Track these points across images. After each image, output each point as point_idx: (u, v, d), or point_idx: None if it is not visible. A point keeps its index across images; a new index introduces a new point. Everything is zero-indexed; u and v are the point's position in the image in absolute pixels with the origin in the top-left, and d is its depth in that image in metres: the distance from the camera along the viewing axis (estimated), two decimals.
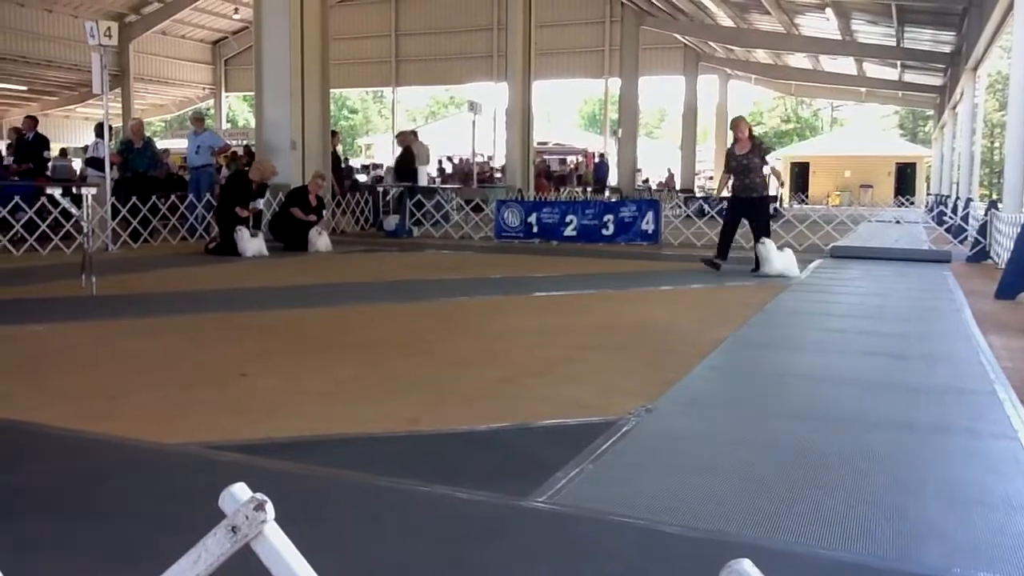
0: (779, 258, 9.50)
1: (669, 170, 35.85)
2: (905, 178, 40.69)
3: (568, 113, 59.68)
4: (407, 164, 16.49)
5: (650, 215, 13.74)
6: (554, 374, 4.68)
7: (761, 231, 9.94)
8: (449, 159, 30.85)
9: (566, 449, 3.23)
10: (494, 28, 33.01)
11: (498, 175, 27.95)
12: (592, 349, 5.41)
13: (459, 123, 32.84)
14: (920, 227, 19.09)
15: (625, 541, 2.50)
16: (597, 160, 32.87)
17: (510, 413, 3.83)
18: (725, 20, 30.21)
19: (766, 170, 10.24)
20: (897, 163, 41.00)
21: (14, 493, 2.73)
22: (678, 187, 32.96)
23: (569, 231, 13.87)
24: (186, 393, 4.20)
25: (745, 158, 10.01)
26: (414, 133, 19.47)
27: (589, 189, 28.31)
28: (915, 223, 20.85)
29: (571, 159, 35.05)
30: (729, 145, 10.77)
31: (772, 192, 13.02)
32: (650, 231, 13.66)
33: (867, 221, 20.06)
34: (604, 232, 13.79)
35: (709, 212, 15.17)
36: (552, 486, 2.83)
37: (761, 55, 35.61)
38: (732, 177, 10.20)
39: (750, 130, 10.16)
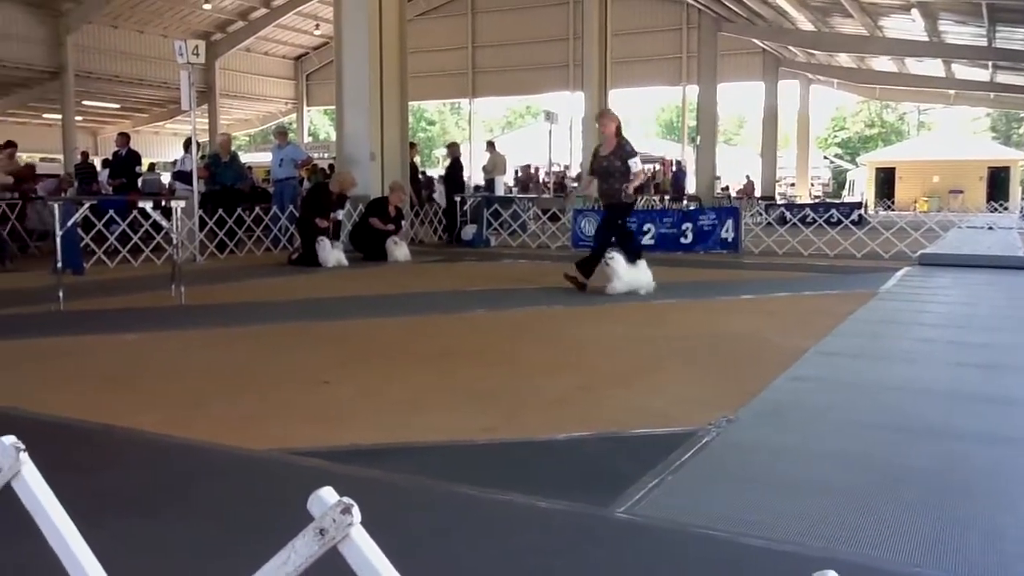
0: (628, 273, 8.40)
1: (748, 177, 35.29)
2: (998, 183, 39.21)
3: (645, 121, 59.31)
4: (455, 175, 16.61)
5: (730, 223, 13.55)
6: (633, 383, 4.64)
7: (618, 243, 8.75)
8: (525, 168, 30.95)
9: (646, 459, 3.20)
10: (570, 38, 33.04)
11: (574, 184, 27.92)
12: (671, 359, 5.35)
13: (535, 133, 32.94)
14: (1015, 233, 18.34)
15: (706, 553, 2.46)
16: (675, 168, 32.54)
17: (589, 422, 3.81)
18: (805, 24, 29.62)
19: (638, 171, 8.75)
20: (989, 167, 39.56)
21: (108, 493, 2.82)
22: (758, 194, 32.41)
23: (647, 240, 13.75)
24: (270, 400, 4.30)
25: (607, 159, 8.72)
26: (491, 144, 19.61)
27: (667, 197, 28.04)
28: (1009, 229, 20.04)
29: (648, 167, 34.81)
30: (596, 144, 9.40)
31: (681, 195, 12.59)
32: (730, 239, 13.47)
33: (957, 227, 19.39)
34: (683, 240, 13.64)
35: (791, 219, 14.86)
36: (632, 496, 2.81)
37: (843, 59, 34.81)
38: (597, 180, 9.00)
39: (617, 127, 8.78)
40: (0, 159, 15.03)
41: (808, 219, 15.20)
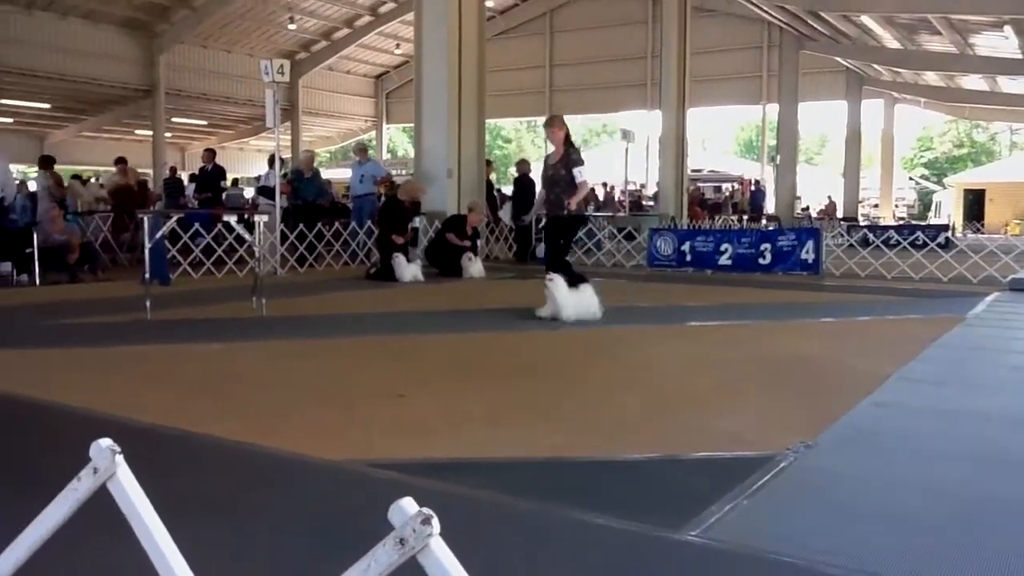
0: (568, 298, 7.70)
1: (830, 197, 34.58)
2: None
3: (724, 140, 58.67)
4: (525, 191, 16.60)
5: (810, 244, 13.27)
6: (707, 405, 4.58)
7: (553, 261, 8.22)
8: (601, 186, 30.89)
9: (719, 482, 3.15)
10: (648, 56, 32.91)
11: (650, 203, 27.76)
12: (747, 381, 5.26)
13: (611, 152, 32.86)
14: None
15: None
16: (753, 187, 32.11)
17: (661, 443, 3.78)
18: (891, 42, 28.96)
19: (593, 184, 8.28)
20: None
21: (191, 498, 2.91)
22: (840, 215, 31.70)
23: (724, 260, 13.58)
24: (347, 412, 4.37)
25: (553, 168, 8.24)
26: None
27: (745, 217, 27.66)
28: None
29: (726, 186, 34.38)
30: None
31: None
32: (810, 261, 13.19)
33: None
34: (761, 261, 13.42)
35: (874, 241, 14.49)
36: (705, 520, 2.77)
37: (931, 77, 33.88)
38: (543, 189, 8.45)
39: (566, 134, 8.29)
40: (113, 174, 15.79)
41: (892, 241, 14.78)
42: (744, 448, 3.65)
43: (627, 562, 2.52)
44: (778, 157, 31.70)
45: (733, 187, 33.91)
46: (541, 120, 39.39)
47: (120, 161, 16.68)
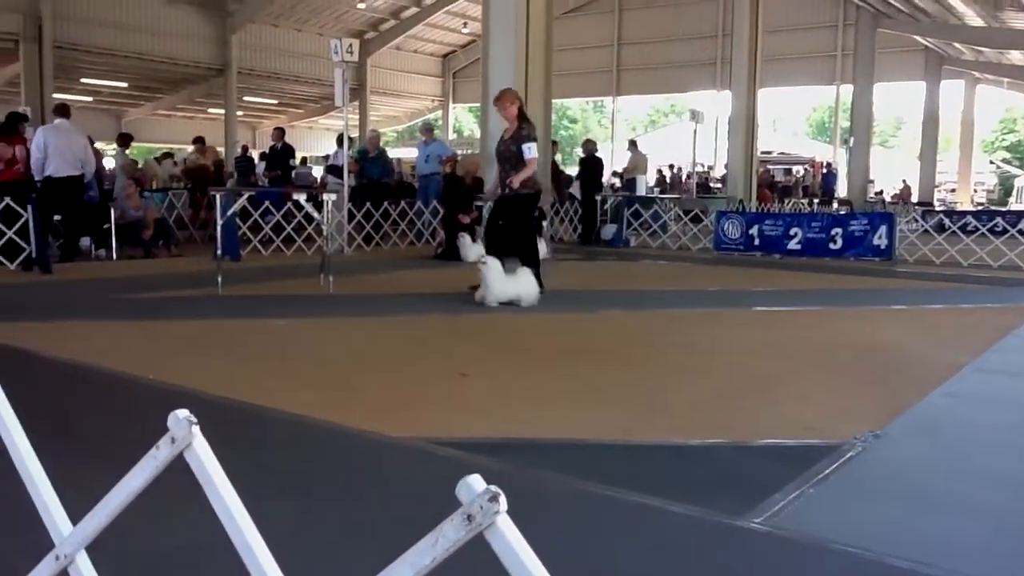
0: (505, 282, 7.36)
1: (905, 182, 33.60)
2: None
3: (795, 121, 57.44)
4: (592, 170, 16.47)
5: (883, 229, 12.94)
6: (774, 392, 4.52)
7: (496, 244, 7.81)
8: (668, 168, 30.56)
9: (785, 470, 3.12)
10: (718, 35, 32.35)
11: (717, 185, 27.36)
12: (815, 368, 5.17)
13: (679, 132, 32.45)
14: None
15: (847, 571, 2.37)
16: (825, 170, 31.38)
17: (726, 429, 3.74)
18: (974, 19, 27.93)
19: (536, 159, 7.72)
20: None
21: (260, 470, 2.98)
22: (915, 200, 30.82)
23: (793, 244, 13.32)
24: (410, 389, 4.43)
25: (504, 144, 7.80)
26: (632, 143, 19.45)
27: (816, 201, 27.07)
28: None
29: (797, 169, 33.67)
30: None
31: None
32: (883, 246, 12.86)
33: None
34: (831, 246, 13.13)
35: (950, 227, 14.06)
36: (769, 507, 2.74)
37: (1016, 56, 32.60)
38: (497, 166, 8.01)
39: (520, 108, 7.83)
40: (191, 152, 16.22)
41: (969, 227, 14.29)
42: (811, 436, 3.59)
43: (690, 547, 2.51)
44: (851, 139, 30.87)
45: (804, 170, 33.19)
46: (608, 100, 39.31)
47: (198, 140, 17.08)
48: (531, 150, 7.59)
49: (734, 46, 22.16)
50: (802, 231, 13.38)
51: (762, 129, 24.75)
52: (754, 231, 13.72)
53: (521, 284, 7.41)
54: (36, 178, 10.41)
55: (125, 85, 30.74)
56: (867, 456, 3.35)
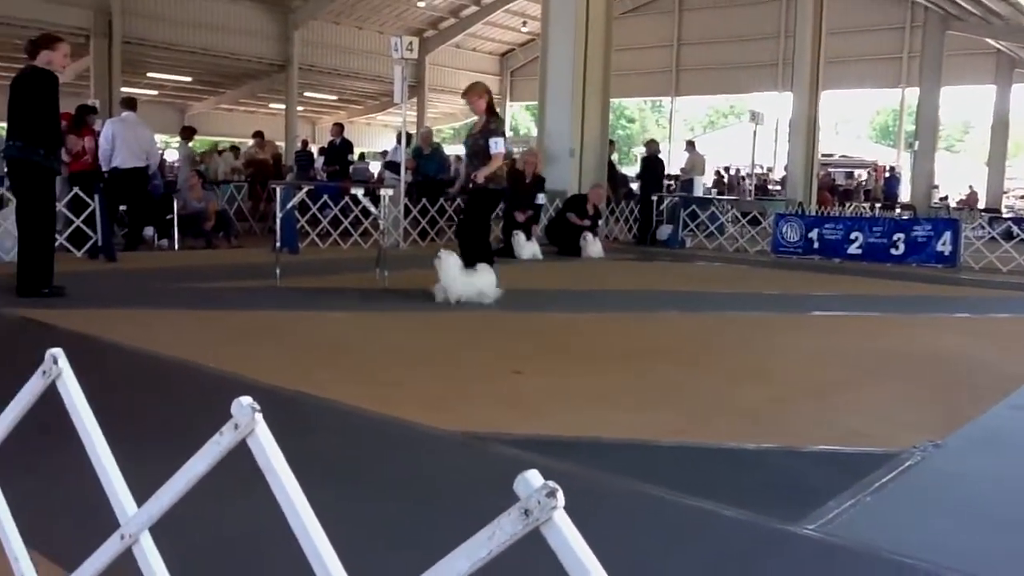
0: (464, 279, 7.14)
1: (971, 187, 32.74)
2: None
3: (858, 124, 56.35)
4: (653, 170, 16.34)
5: (947, 235, 12.63)
6: (830, 398, 4.44)
7: (463, 238, 7.68)
8: (726, 169, 30.21)
9: (840, 478, 3.07)
10: (780, 36, 31.86)
11: (776, 187, 26.97)
12: (873, 375, 5.07)
13: (738, 134, 32.05)
14: None
15: None
16: (888, 174, 30.73)
17: (781, 434, 3.69)
18: None
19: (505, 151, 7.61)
20: None
21: (317, 461, 3.01)
22: (982, 206, 30.01)
23: (853, 249, 13.07)
24: (463, 384, 4.45)
25: (473, 138, 7.69)
26: (690, 144, 19.29)
27: (878, 205, 26.53)
28: None
29: (859, 173, 33.03)
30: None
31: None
32: (947, 253, 12.55)
33: None
34: (893, 252, 12.85)
35: (1019, 235, 13.67)
36: (824, 515, 2.69)
37: None
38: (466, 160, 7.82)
39: (489, 103, 7.69)
40: (251, 146, 16.53)
41: None
42: (868, 444, 3.52)
43: (742, 552, 2.48)
44: (916, 143, 30.15)
45: (867, 173, 32.55)
46: (666, 100, 38.98)
47: (258, 135, 17.40)
48: (498, 144, 7.47)
49: (796, 47, 21.83)
50: (863, 235, 13.13)
51: (824, 131, 24.30)
52: (813, 234, 13.50)
53: (481, 280, 7.23)
54: (103, 169, 10.69)
55: (189, 79, 31.38)
56: (926, 466, 3.27)
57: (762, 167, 29.96)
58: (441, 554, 0.84)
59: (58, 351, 1.10)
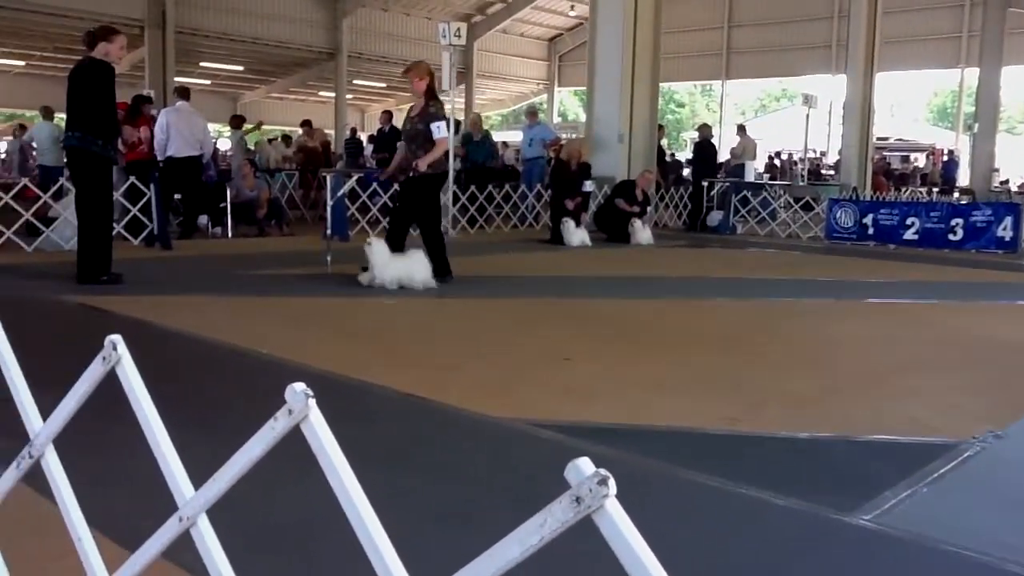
0: (393, 264, 7.01)
1: None
2: None
3: (914, 106, 55.06)
4: (705, 155, 16.13)
5: (1008, 220, 12.30)
6: (886, 387, 4.36)
7: (396, 224, 7.45)
8: (777, 154, 29.75)
9: (897, 468, 3.01)
10: (834, 16, 31.23)
11: (830, 172, 26.50)
12: (931, 363, 4.96)
13: (790, 117, 31.52)
14: None
15: (957, 574, 2.28)
16: (946, 158, 30.02)
17: (835, 423, 3.63)
18: None
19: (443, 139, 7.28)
20: None
21: (369, 446, 3.05)
22: None
23: (910, 234, 12.80)
24: (514, 371, 4.45)
25: (411, 122, 7.34)
26: (741, 128, 19.02)
27: (935, 189, 25.93)
28: None
29: (915, 156, 32.30)
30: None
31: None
32: (1007, 238, 12.23)
33: None
34: (951, 237, 12.56)
35: None
36: (879, 505, 2.65)
37: None
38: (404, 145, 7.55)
39: (429, 85, 7.30)
40: (300, 135, 16.75)
41: None
42: (926, 434, 3.45)
43: (796, 542, 2.46)
44: (975, 126, 29.37)
45: (924, 157, 31.82)
46: (717, 83, 38.47)
47: (306, 123, 17.59)
48: (440, 129, 7.22)
49: (850, 28, 21.37)
50: (920, 221, 12.85)
51: (879, 114, 23.78)
52: (868, 220, 13.25)
53: (412, 266, 7.05)
54: (158, 158, 10.89)
55: (241, 69, 31.80)
56: (986, 457, 3.20)
57: (815, 151, 29.44)
58: (492, 540, 0.84)
59: (117, 338, 1.13)
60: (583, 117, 18.63)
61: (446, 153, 7.63)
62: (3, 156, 18.75)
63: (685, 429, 3.48)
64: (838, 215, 13.56)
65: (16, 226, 9.24)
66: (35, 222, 9.47)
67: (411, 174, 7.25)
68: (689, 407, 3.81)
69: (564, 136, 22.77)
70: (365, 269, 7.14)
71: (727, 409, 3.77)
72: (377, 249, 6.97)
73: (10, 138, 17.79)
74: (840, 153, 22.77)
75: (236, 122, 16.39)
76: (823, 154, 30.86)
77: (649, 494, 2.72)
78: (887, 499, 2.69)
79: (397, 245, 7.24)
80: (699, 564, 2.25)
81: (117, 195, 10.35)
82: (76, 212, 7.12)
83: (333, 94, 30.39)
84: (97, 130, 6.71)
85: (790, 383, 4.35)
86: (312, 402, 0.96)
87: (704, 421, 3.58)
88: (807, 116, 19.99)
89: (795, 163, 26.61)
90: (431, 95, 7.37)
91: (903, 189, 24.47)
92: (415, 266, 7.07)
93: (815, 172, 26.25)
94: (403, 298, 6.88)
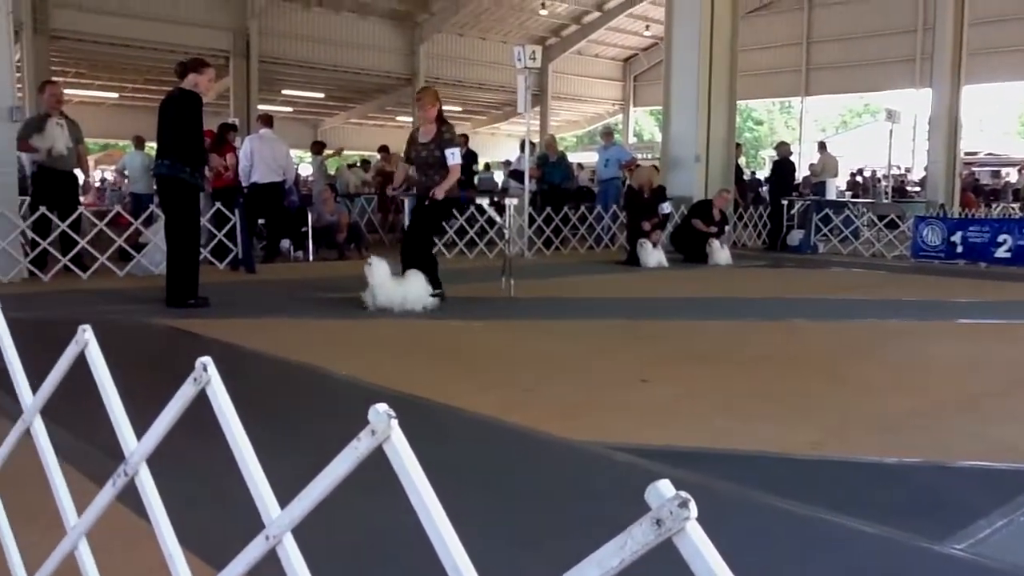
0: (392, 285, 7.08)
1: None
2: None
3: (1006, 120, 53.21)
4: (784, 173, 15.84)
5: None
6: (979, 410, 4.20)
7: (415, 246, 7.55)
8: (860, 171, 29.07)
9: (992, 495, 2.89)
10: (918, 29, 30.44)
11: (915, 189, 25.77)
12: None
13: (872, 133, 30.80)
14: None
15: None
16: None
17: (925, 448, 3.51)
18: None
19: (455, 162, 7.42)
20: None
21: (445, 467, 3.06)
22: None
23: (1001, 252, 12.34)
24: (590, 393, 4.43)
25: (425, 148, 7.47)
26: (822, 145, 18.68)
27: None
28: None
29: (1006, 171, 31.18)
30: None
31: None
32: None
33: None
34: None
35: None
36: (973, 534, 2.55)
37: None
38: (415, 170, 7.71)
39: (439, 111, 7.54)
40: (378, 160, 17.12)
41: None
42: (1022, 460, 3.31)
43: (884, 571, 2.38)
44: None
45: (1017, 172, 30.68)
46: (796, 100, 37.83)
47: (383, 149, 17.93)
48: (455, 156, 7.44)
49: (936, 40, 20.85)
50: (1012, 238, 12.37)
51: (967, 128, 23.04)
52: (956, 238, 12.81)
53: (410, 288, 7.11)
54: (243, 184, 11.21)
55: (321, 96, 32.59)
56: None
57: (899, 168, 28.69)
58: (570, 563, 0.84)
59: (207, 359, 1.16)
60: (659, 137, 18.50)
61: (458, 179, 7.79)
62: (99, 185, 19.57)
63: (767, 453, 3.41)
64: (925, 233, 13.16)
65: (109, 252, 9.62)
66: (127, 248, 9.84)
67: (426, 202, 7.47)
68: (771, 431, 3.73)
69: (640, 156, 22.70)
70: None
71: (810, 433, 3.68)
72: (377, 270, 7.06)
73: (111, 168, 18.56)
74: (926, 169, 22.16)
75: (317, 148, 16.80)
76: (907, 170, 30.05)
77: (729, 518, 2.67)
78: (981, 528, 2.59)
79: (409, 265, 7.37)
80: None
81: (204, 221, 10.69)
82: (165, 238, 7.37)
83: (410, 119, 30.86)
84: (186, 158, 6.95)
85: (876, 406, 4.23)
86: (395, 422, 0.97)
87: (786, 445, 3.50)
88: (890, 132, 19.53)
89: (878, 180, 25.96)
90: (442, 120, 7.60)
91: (994, 205, 23.63)
92: (412, 288, 7.13)
93: (899, 189, 25.56)
94: (478, 320, 6.93)
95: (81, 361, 1.42)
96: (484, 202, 10.49)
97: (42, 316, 6.41)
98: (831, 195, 16.55)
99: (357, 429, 0.99)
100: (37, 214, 9.06)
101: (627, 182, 15.43)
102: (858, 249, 14.25)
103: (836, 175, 18.92)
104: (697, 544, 0.79)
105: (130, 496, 1.33)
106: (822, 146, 18.63)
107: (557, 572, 0.85)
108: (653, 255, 11.60)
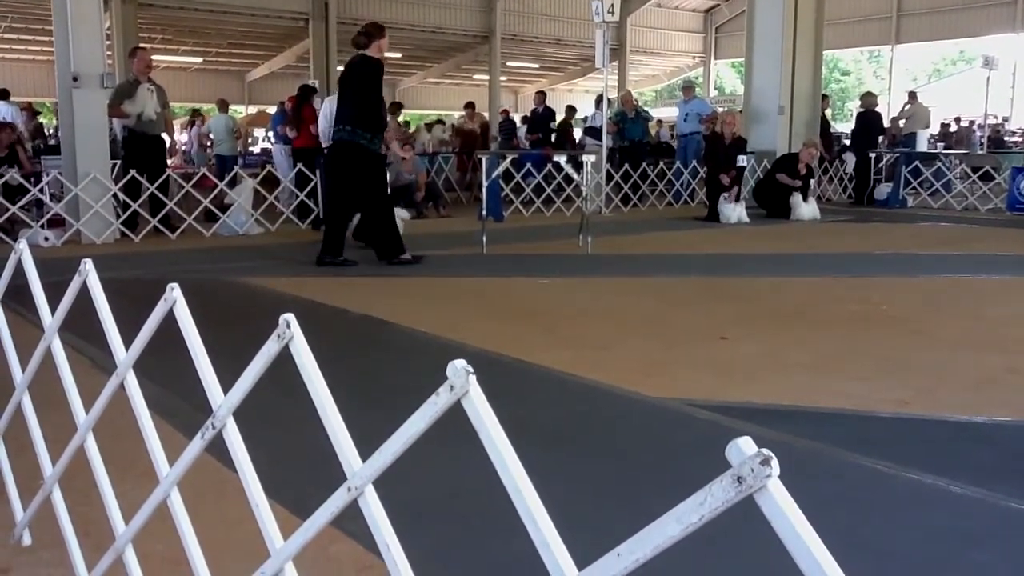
0: None
1: None
2: None
3: None
4: (869, 126, 15.23)
5: None
6: None
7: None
8: (957, 120, 27.87)
9: None
10: None
11: (1014, 139, 24.61)
12: None
13: (968, 81, 29.45)
14: None
15: None
16: None
17: (1016, 406, 3.39)
18: None
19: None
20: None
21: (522, 422, 3.09)
22: None
23: None
24: (669, 350, 4.40)
25: None
26: (912, 94, 17.97)
27: None
28: None
29: None
30: None
31: None
32: None
33: None
34: None
35: None
36: None
37: None
38: None
39: None
40: (460, 116, 17.14)
41: None
42: None
43: (973, 532, 2.31)
44: None
45: None
46: (885, 49, 36.37)
47: (469, 105, 17.91)
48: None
49: None
50: None
51: None
52: None
53: None
54: (323, 145, 11.35)
55: (399, 55, 32.63)
56: None
57: (996, 117, 27.41)
58: (649, 519, 0.84)
59: (290, 316, 1.19)
60: (740, 90, 18.06)
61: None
62: (183, 148, 20.04)
63: (850, 411, 3.34)
64: (1022, 185, 12.58)
65: (196, 213, 9.89)
66: (213, 208, 10.10)
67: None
68: (854, 388, 3.65)
69: (721, 110, 22.16)
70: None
71: (896, 391, 3.59)
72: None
73: (191, 129, 18.97)
74: None
75: (394, 108, 16.88)
76: (1005, 120, 28.68)
77: (812, 477, 2.63)
78: None
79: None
80: (864, 550, 2.16)
81: (285, 181, 10.89)
82: (327, 200, 7.46)
83: (487, 77, 30.73)
84: (366, 124, 7.10)
85: (966, 364, 4.10)
86: (473, 378, 0.98)
87: (871, 403, 3.42)
88: (987, 79, 18.65)
89: (974, 130, 24.85)
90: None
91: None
92: None
93: (996, 140, 24.44)
94: (557, 278, 6.92)
95: (170, 318, 1.47)
96: (561, 159, 10.41)
97: (133, 275, 6.65)
98: (922, 147, 15.93)
99: (436, 385, 1.00)
100: (128, 177, 9.36)
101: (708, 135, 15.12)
102: (950, 203, 13.71)
103: (927, 126, 18.20)
104: (779, 502, 0.78)
105: (218, 448, 1.38)
106: (912, 96, 17.92)
107: (635, 528, 0.85)
108: (733, 211, 11.38)
